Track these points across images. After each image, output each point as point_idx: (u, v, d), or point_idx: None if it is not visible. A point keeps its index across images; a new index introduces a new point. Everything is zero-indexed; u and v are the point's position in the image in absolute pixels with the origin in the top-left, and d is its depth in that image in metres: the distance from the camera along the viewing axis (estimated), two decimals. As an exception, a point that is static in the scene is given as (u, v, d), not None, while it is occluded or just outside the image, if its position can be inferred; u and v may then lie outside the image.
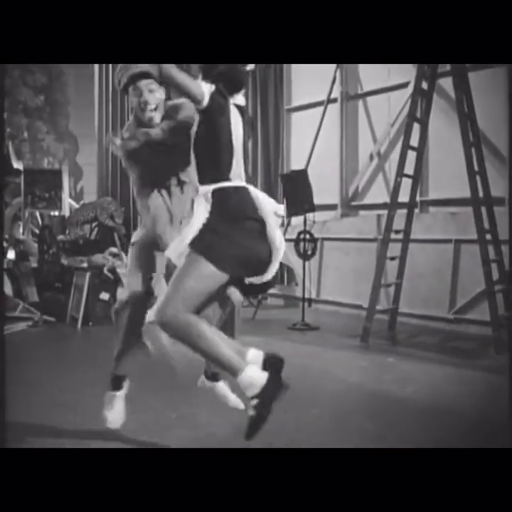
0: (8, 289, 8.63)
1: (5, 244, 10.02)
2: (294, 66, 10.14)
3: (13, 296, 8.58)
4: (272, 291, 10.13)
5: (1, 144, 2.69)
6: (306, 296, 8.31)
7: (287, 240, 8.90)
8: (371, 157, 9.11)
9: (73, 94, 20.90)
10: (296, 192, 8.06)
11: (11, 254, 9.56)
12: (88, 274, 7.99)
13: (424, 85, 7.19)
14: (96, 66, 13.40)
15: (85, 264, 8.34)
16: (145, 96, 3.35)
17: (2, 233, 4.09)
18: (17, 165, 13.07)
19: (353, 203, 9.41)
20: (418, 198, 7.75)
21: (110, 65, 13.10)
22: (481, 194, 6.70)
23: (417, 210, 7.77)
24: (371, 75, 9.01)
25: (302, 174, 8.18)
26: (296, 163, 9.72)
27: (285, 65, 10.25)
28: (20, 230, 10.93)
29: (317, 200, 8.06)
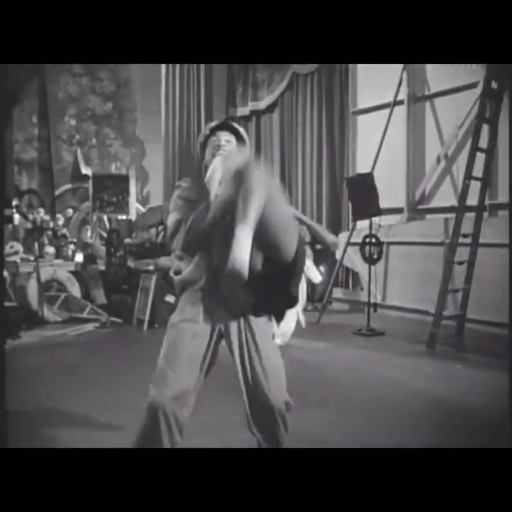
0: (76, 291, 8.85)
1: (73, 247, 10.29)
2: (360, 68, 10.06)
3: (81, 298, 8.80)
4: (336, 295, 10.09)
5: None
6: (372, 301, 8.22)
7: (353, 244, 9.00)
8: (438, 159, 8.96)
9: (140, 99, 21.29)
10: (361, 195, 8.00)
11: (79, 258, 9.80)
12: (154, 277, 8.10)
13: (494, 85, 7.02)
14: (163, 71, 13.60)
15: (152, 267, 8.47)
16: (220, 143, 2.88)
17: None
18: (85, 171, 13.43)
19: (420, 207, 9.27)
20: (487, 201, 7.56)
21: (177, 71, 13.29)
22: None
23: (485, 214, 7.59)
24: (439, 75, 8.86)
25: (368, 177, 8.11)
26: (361, 167, 9.64)
27: (351, 68, 10.19)
28: (89, 234, 11.18)
29: (383, 204, 7.97)
